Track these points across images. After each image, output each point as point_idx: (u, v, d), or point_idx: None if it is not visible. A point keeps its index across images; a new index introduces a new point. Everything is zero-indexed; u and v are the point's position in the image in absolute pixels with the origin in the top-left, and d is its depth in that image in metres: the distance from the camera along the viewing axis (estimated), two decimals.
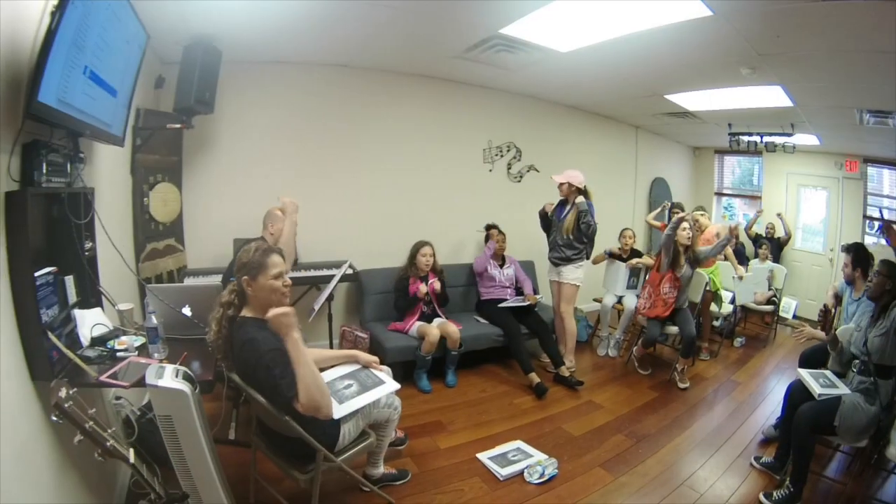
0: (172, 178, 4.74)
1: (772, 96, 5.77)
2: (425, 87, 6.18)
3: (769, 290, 7.71)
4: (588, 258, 5.64)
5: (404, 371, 4.95)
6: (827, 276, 9.13)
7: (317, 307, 4.28)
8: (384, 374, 3.15)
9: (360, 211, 5.92)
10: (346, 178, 5.82)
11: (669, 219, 6.39)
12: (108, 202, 3.33)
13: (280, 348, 2.42)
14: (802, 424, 3.44)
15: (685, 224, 5.47)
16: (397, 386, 3.05)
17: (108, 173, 3.46)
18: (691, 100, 6.59)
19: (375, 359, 3.22)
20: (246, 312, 2.57)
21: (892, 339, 3.31)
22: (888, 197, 9.17)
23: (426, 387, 4.99)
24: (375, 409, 2.96)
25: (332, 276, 4.63)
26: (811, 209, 10.07)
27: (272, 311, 2.45)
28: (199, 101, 4.33)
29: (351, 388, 2.93)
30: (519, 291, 6.00)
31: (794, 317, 8.89)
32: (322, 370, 2.82)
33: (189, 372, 2.28)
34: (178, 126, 4.41)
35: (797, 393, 3.79)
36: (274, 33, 4.43)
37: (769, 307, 7.67)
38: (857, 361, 3.60)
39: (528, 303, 5.68)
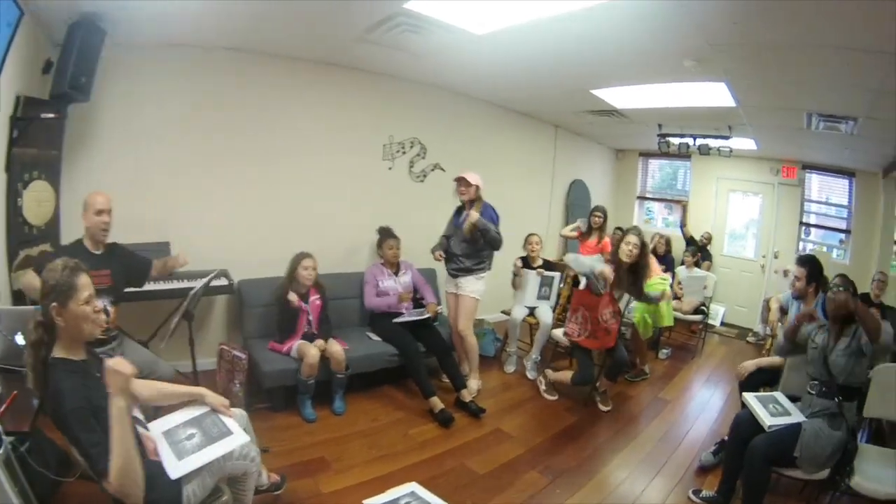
0: (49, 175, 4.25)
1: (713, 94, 5.65)
2: (323, 74, 5.82)
3: (701, 299, 7.70)
4: (490, 269, 5.33)
5: (286, 397, 4.62)
6: (758, 283, 9.29)
7: (172, 326, 3.77)
8: (233, 421, 2.69)
9: (249, 213, 5.51)
10: (235, 175, 5.40)
11: (590, 226, 6.23)
12: None
13: (89, 406, 2.07)
14: (757, 459, 3.29)
15: (631, 239, 4.87)
16: (245, 439, 2.60)
17: None
18: (621, 96, 6.42)
19: (224, 401, 2.77)
20: (57, 351, 2.20)
21: (857, 358, 3.28)
22: (817, 202, 9.48)
23: (310, 415, 4.52)
24: (228, 461, 2.52)
25: (212, 287, 4.36)
26: (740, 215, 10.28)
27: (110, 363, 2.13)
28: (74, 87, 3.94)
29: (193, 439, 2.50)
30: (418, 304, 5.65)
31: (722, 323, 9.01)
32: (163, 409, 2.60)
33: None
34: (51, 116, 4.01)
35: (745, 423, 3.58)
36: (161, 10, 4.04)
37: (697, 316, 7.65)
38: (815, 383, 3.49)
39: (427, 315, 5.33)
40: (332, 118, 5.94)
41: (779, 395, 3.76)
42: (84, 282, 2.21)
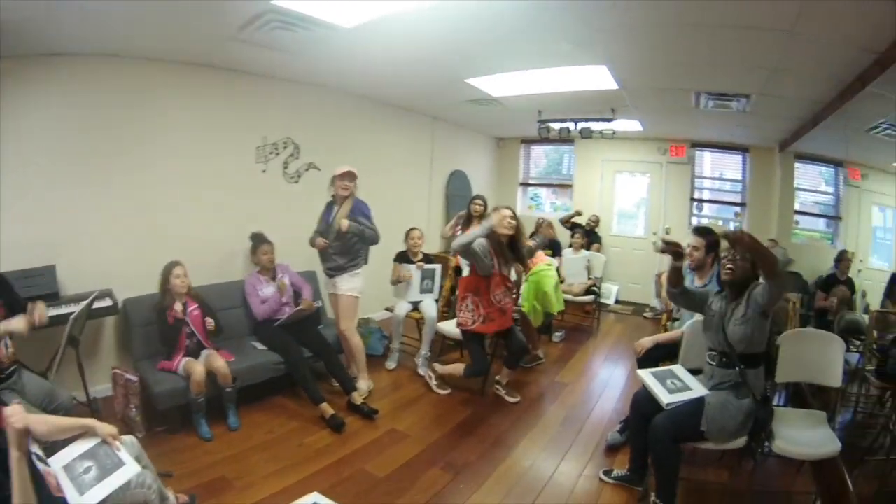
0: None
1: (594, 78, 5.70)
2: (199, 77, 5.67)
3: (588, 279, 7.90)
4: (366, 262, 5.36)
5: (182, 417, 4.49)
6: (651, 260, 9.61)
7: (59, 354, 3.76)
8: (124, 451, 2.69)
9: (130, 227, 5.30)
10: (116, 189, 5.19)
11: (470, 214, 6.24)
12: None
13: None
14: (661, 438, 3.27)
15: (505, 212, 4.96)
16: (137, 469, 2.64)
17: None
18: (498, 84, 6.45)
19: (113, 431, 2.73)
20: None
21: (755, 324, 3.24)
22: (710, 178, 9.93)
23: (206, 434, 4.42)
24: (126, 492, 2.56)
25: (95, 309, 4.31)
26: (629, 194, 10.63)
27: (6, 413, 2.24)
28: None
29: (90, 472, 2.53)
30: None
31: (617, 301, 9.37)
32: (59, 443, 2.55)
33: None
34: None
35: (644, 401, 3.60)
36: (34, 19, 3.91)
37: (589, 297, 7.81)
38: (714, 353, 3.46)
39: (304, 310, 5.29)
40: (207, 122, 5.81)
41: (677, 368, 3.71)
42: None
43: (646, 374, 3.66)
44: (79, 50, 4.74)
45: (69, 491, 2.37)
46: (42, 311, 3.35)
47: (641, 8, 3.77)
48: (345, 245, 5.09)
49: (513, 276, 5.34)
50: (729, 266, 3.38)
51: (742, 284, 3.36)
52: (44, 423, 2.57)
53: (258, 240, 5.51)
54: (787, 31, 3.84)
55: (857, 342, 5.30)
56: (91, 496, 2.39)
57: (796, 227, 8.54)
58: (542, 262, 6.24)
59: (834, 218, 8.30)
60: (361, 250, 5.24)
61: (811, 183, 8.77)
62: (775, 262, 3.16)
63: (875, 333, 4.93)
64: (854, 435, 4.52)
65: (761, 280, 3.29)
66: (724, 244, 3.68)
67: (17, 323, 3.25)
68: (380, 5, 3.96)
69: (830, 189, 8.50)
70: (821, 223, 8.81)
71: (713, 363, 3.45)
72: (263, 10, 4.04)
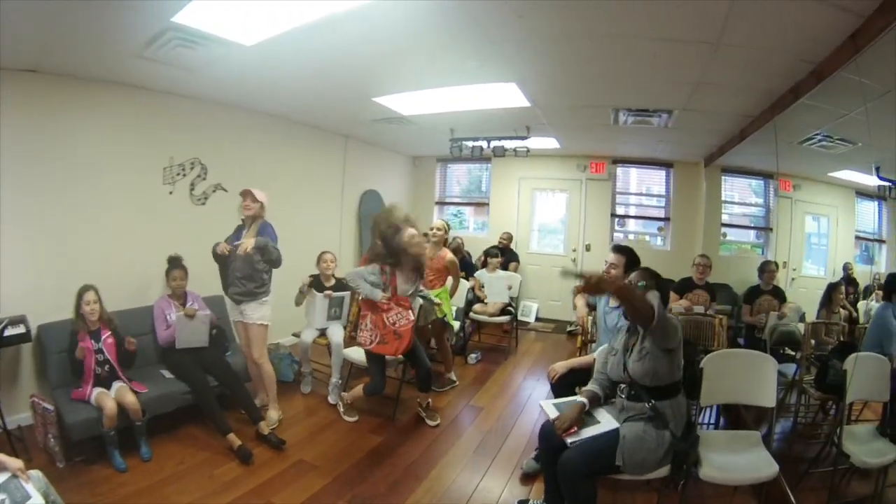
0: None
1: (506, 95, 5.78)
2: (108, 95, 5.66)
3: (507, 300, 7.93)
4: (270, 290, 5.37)
5: (99, 447, 4.50)
6: (570, 277, 9.67)
7: None
8: (31, 487, 2.84)
9: (41, 251, 5.29)
10: (28, 210, 5.18)
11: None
12: None
13: None
14: (572, 474, 3.19)
15: (411, 230, 5.12)
16: (42, 502, 2.80)
17: None
18: (406, 103, 6.55)
19: (19, 465, 2.88)
20: None
21: (656, 359, 3.23)
22: (635, 194, 10.22)
23: (120, 465, 4.45)
24: None
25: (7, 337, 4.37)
26: (547, 212, 10.90)
27: None
28: None
29: None
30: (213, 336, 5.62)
31: (537, 319, 9.52)
32: None
33: None
34: None
35: (552, 433, 3.47)
36: None
37: (505, 318, 7.87)
38: (624, 386, 3.45)
39: (187, 312, 5.23)
40: (113, 141, 5.79)
41: (582, 398, 3.59)
42: None
43: (549, 407, 3.67)
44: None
45: None
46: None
47: (548, 21, 3.84)
48: (251, 268, 5.11)
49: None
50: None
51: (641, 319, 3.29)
52: None
53: (173, 264, 5.53)
54: (712, 44, 3.94)
55: (793, 353, 5.39)
56: None
57: (724, 240, 8.82)
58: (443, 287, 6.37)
59: (764, 229, 8.56)
60: (267, 275, 5.26)
61: (741, 195, 9.05)
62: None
63: (812, 343, 5.05)
64: (796, 446, 4.66)
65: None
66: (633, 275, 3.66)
67: None
68: (279, 23, 4.07)
69: (760, 200, 8.76)
70: (751, 234, 9.11)
71: (622, 395, 3.45)
72: (165, 27, 4.12)
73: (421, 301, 5.68)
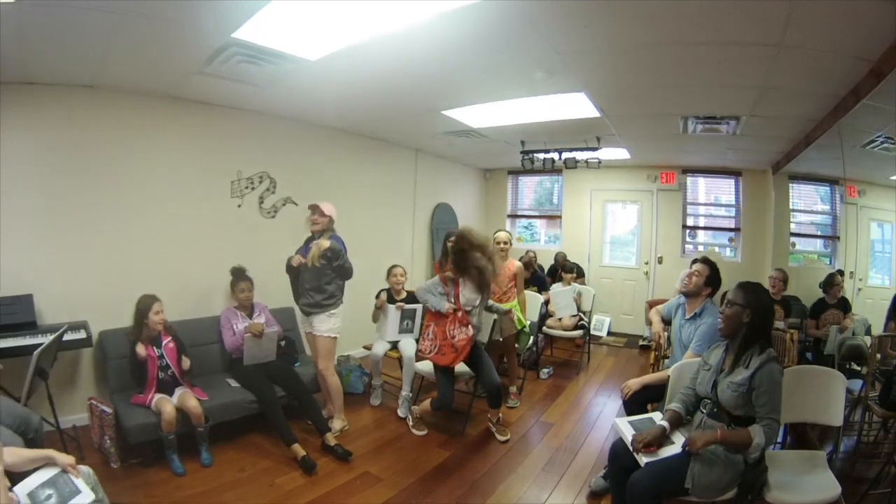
0: None
1: (575, 106, 5.68)
2: (171, 110, 5.76)
3: (575, 313, 7.78)
4: (342, 302, 5.32)
5: (157, 451, 4.56)
6: (642, 290, 9.57)
7: (26, 385, 3.84)
8: (81, 481, 2.85)
9: (105, 260, 5.39)
10: (91, 220, 5.29)
11: (446, 251, 6.16)
12: None
13: None
14: (640, 495, 3.09)
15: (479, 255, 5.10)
16: (91, 498, 2.80)
17: None
18: (476, 115, 6.49)
19: (71, 460, 2.90)
20: None
21: (746, 396, 3.06)
22: (704, 204, 9.87)
23: (178, 469, 4.46)
24: None
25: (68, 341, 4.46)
26: (619, 224, 10.70)
27: None
28: None
29: (51, 500, 2.72)
30: (284, 350, 5.67)
31: (609, 334, 9.16)
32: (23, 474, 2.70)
33: None
34: None
35: (623, 452, 3.41)
36: (19, 48, 4.04)
37: (577, 332, 7.72)
38: (707, 402, 3.32)
39: (252, 328, 5.23)
40: (180, 155, 5.89)
41: (657, 416, 3.57)
42: None
43: (624, 425, 3.52)
44: (53, 80, 4.86)
45: None
46: None
47: (613, 30, 3.75)
48: (320, 280, 5.08)
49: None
50: (721, 312, 3.31)
51: (740, 339, 3.21)
52: (12, 454, 2.72)
53: (238, 275, 5.57)
54: (774, 45, 3.80)
55: (860, 368, 5.26)
56: None
57: (793, 250, 8.56)
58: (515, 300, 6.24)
59: (831, 237, 8.35)
60: (338, 289, 5.22)
61: (807, 203, 8.82)
62: (744, 441, 3.00)
63: (878, 357, 4.87)
64: (857, 466, 4.43)
65: (768, 356, 3.09)
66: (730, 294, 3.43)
67: None
68: (344, 37, 4.03)
69: (827, 207, 8.55)
70: (818, 243, 8.85)
71: (704, 411, 3.34)
72: (226, 43, 4.13)
73: (496, 316, 5.64)
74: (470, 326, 5.15)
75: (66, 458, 2.87)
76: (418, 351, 5.47)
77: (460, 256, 5.12)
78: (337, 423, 5.32)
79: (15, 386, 4.03)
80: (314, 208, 5.12)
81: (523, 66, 4.59)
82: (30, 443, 3.58)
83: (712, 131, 6.34)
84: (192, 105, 5.85)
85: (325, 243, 4.88)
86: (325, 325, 5.15)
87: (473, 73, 4.88)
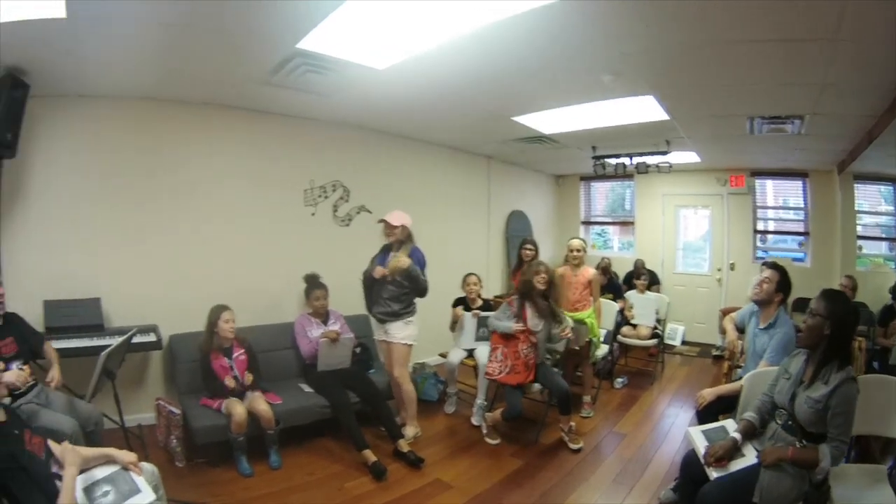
0: None
1: (644, 109, 5.60)
2: (238, 120, 5.88)
3: (653, 323, 7.64)
4: (416, 311, 5.30)
5: (223, 451, 4.58)
6: (715, 298, 9.34)
7: (92, 384, 3.85)
8: (141, 479, 2.87)
9: (171, 265, 5.51)
10: (155, 227, 5.42)
11: (521, 259, 6.32)
12: None
13: (16, 465, 2.31)
14: None
15: (540, 268, 5.25)
16: (152, 497, 2.81)
17: None
18: (545, 121, 6.41)
19: (133, 458, 2.93)
20: None
21: (821, 414, 2.90)
22: (773, 208, 9.59)
23: (246, 470, 4.49)
24: None
25: (137, 343, 4.57)
26: (692, 229, 10.45)
27: (59, 449, 2.59)
28: (1, 143, 4.14)
29: (108, 496, 2.72)
30: (358, 358, 5.67)
31: (683, 343, 8.97)
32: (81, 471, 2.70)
33: None
34: None
35: (695, 464, 3.32)
36: (80, 63, 4.21)
37: (652, 341, 7.59)
38: (783, 412, 3.16)
39: (329, 334, 5.24)
40: (249, 164, 5.98)
41: (730, 425, 3.47)
42: None
43: (697, 435, 3.44)
44: (111, 92, 4.99)
45: None
46: (16, 378, 3.51)
47: (673, 29, 3.66)
48: (398, 291, 5.08)
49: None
50: (804, 322, 3.15)
51: (820, 353, 3.04)
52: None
53: (312, 283, 5.58)
54: (830, 40, 3.64)
55: None
56: None
57: (860, 253, 8.34)
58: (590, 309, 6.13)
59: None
60: (413, 298, 5.21)
61: (871, 204, 8.60)
62: (813, 461, 2.88)
63: None
64: None
65: (847, 374, 2.92)
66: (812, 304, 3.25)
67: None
68: (410, 46, 4.01)
69: (891, 208, 8.40)
70: (883, 246, 8.62)
71: (779, 422, 3.18)
72: (291, 54, 4.15)
73: (572, 324, 5.55)
74: (537, 346, 5.21)
75: (128, 456, 2.89)
76: (487, 374, 5.37)
77: (526, 287, 5.24)
78: (410, 430, 5.27)
79: (80, 385, 4.08)
80: (383, 223, 5.09)
81: (590, 70, 4.49)
82: (89, 436, 3.70)
83: (778, 131, 6.18)
84: (261, 115, 5.94)
85: (405, 262, 4.90)
86: (401, 332, 5.13)
87: (541, 78, 4.80)
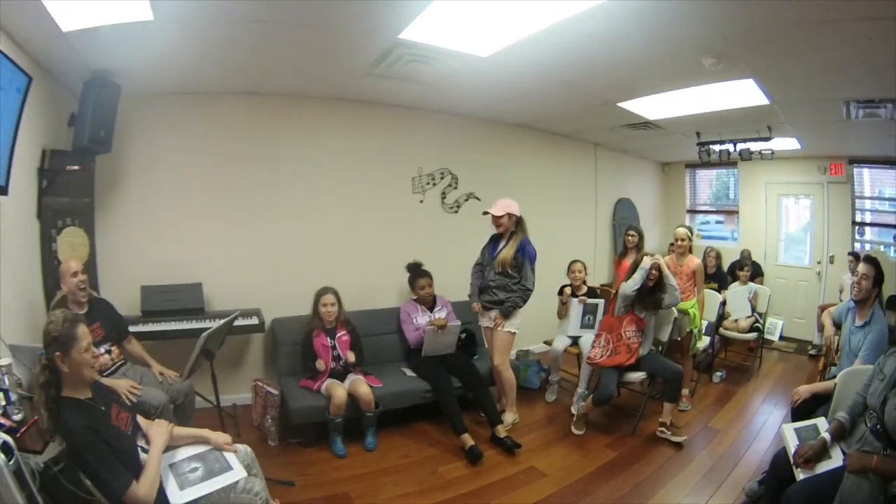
0: (83, 221, 4.61)
1: (744, 93, 5.45)
2: (342, 111, 5.98)
3: (751, 314, 7.43)
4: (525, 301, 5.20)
5: (318, 432, 4.73)
6: (815, 292, 9.09)
7: (190, 364, 3.93)
8: (234, 458, 2.94)
9: (274, 252, 5.70)
10: (258, 215, 5.62)
11: (625, 246, 6.27)
12: (16, 247, 3.64)
13: (100, 439, 2.35)
14: None
15: (646, 262, 5.08)
16: (243, 475, 2.85)
17: (12, 219, 3.59)
18: (650, 107, 6.28)
19: (227, 439, 3.03)
20: (65, 391, 2.44)
21: None
22: (870, 198, 9.09)
23: (340, 451, 4.63)
24: (233, 492, 2.78)
25: (239, 326, 4.72)
26: (793, 219, 10.08)
27: (147, 424, 2.76)
28: (94, 141, 4.30)
29: (196, 472, 2.80)
30: (464, 345, 5.67)
31: (781, 338, 8.62)
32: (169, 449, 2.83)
33: (10, 442, 2.22)
34: (75, 168, 4.34)
35: (785, 463, 3.26)
36: (172, 62, 4.35)
37: (752, 334, 7.38)
38: (874, 415, 3.04)
39: (436, 324, 5.29)
40: (353, 153, 6.07)
41: (822, 424, 3.41)
42: (83, 332, 2.43)
43: (789, 432, 3.42)
44: (207, 89, 5.18)
45: (171, 486, 2.62)
46: (126, 388, 3.57)
47: (766, 10, 3.49)
48: (506, 280, 5.05)
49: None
50: None
51: None
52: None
53: (416, 272, 5.62)
54: None
55: None
56: (189, 493, 2.62)
57: None
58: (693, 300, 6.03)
59: None
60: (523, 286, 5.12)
61: None
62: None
63: None
64: None
65: None
66: None
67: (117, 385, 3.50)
68: (512, 32, 3.96)
69: None
70: None
71: (868, 425, 3.08)
72: (393, 45, 4.16)
73: (676, 314, 5.53)
74: (643, 333, 5.12)
75: (221, 437, 2.99)
76: (588, 360, 5.36)
77: (652, 290, 5.12)
78: (509, 417, 5.27)
79: (176, 365, 4.19)
80: (494, 218, 5.05)
81: (691, 53, 4.37)
82: (179, 408, 3.91)
83: (872, 116, 5.85)
84: (366, 105, 6.02)
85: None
86: (506, 319, 5.09)
87: (644, 62, 4.66)
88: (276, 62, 4.57)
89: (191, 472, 2.76)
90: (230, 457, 2.91)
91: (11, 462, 2.17)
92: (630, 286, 5.04)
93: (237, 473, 2.83)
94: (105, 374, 3.68)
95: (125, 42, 3.70)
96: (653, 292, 5.10)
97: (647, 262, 5.04)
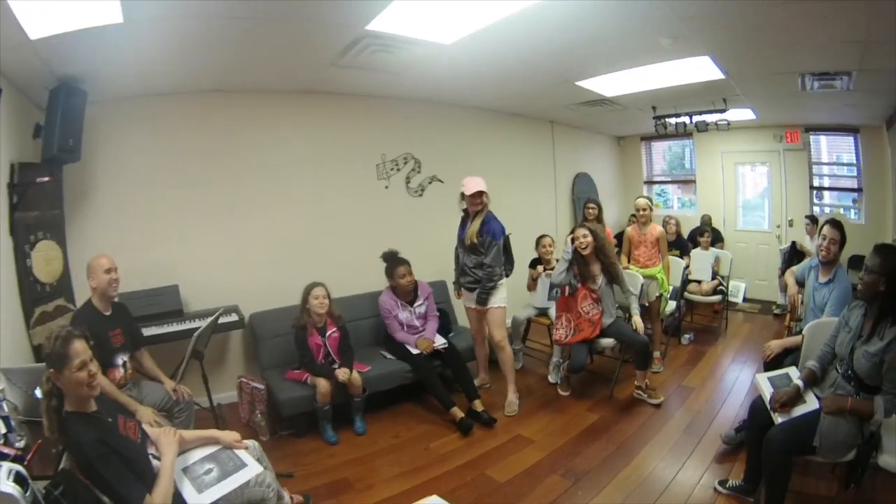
0: (54, 235, 4.48)
1: (700, 69, 5.55)
2: (306, 103, 5.94)
3: (713, 278, 7.64)
4: (506, 275, 5.28)
5: (308, 422, 4.75)
6: (775, 255, 9.17)
7: (182, 366, 3.99)
8: (246, 454, 2.95)
9: (248, 247, 5.64)
10: (230, 212, 5.54)
11: (585, 219, 6.42)
12: None
13: (110, 451, 2.31)
14: (775, 451, 3.14)
15: (582, 231, 5.19)
16: (259, 469, 2.86)
17: None
18: (607, 84, 6.34)
19: (236, 436, 3.01)
20: (69, 405, 2.37)
21: (878, 368, 2.96)
22: (828, 164, 9.29)
23: (331, 438, 4.65)
24: (246, 489, 2.76)
25: (221, 324, 4.67)
26: (750, 186, 10.24)
27: (155, 434, 2.68)
28: (63, 150, 4.12)
29: (211, 473, 2.76)
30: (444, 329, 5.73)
31: (745, 300, 8.83)
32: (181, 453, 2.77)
33: (23, 472, 2.14)
34: (46, 179, 4.15)
35: (763, 410, 3.46)
36: (139, 64, 4.27)
37: (716, 297, 7.57)
38: (844, 362, 3.23)
39: (421, 351, 5.25)
40: (319, 145, 6.05)
41: (793, 372, 3.58)
42: (76, 349, 2.31)
43: (764, 381, 3.59)
44: (175, 90, 5.11)
45: (188, 490, 2.61)
46: (150, 419, 3.47)
47: None
48: (479, 259, 5.06)
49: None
50: (860, 278, 3.16)
51: (877, 307, 3.07)
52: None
53: (393, 261, 5.50)
54: None
55: None
56: (208, 495, 2.61)
57: None
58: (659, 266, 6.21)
59: None
60: (499, 263, 5.14)
61: None
62: (868, 413, 3.00)
63: None
64: None
65: None
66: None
67: (140, 413, 3.44)
68: (475, 20, 3.97)
69: None
70: None
71: (839, 371, 3.28)
72: (360, 36, 4.15)
73: (642, 280, 5.71)
74: (599, 302, 5.22)
75: (231, 436, 2.97)
76: (555, 341, 5.48)
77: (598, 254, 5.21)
78: (512, 398, 5.25)
79: (165, 366, 4.18)
80: (477, 194, 4.96)
81: (649, 34, 4.44)
82: (177, 414, 3.88)
83: (828, 87, 6.06)
84: (330, 96, 6.00)
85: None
86: (494, 296, 5.11)
87: (602, 44, 4.73)
88: (246, 56, 4.51)
89: (206, 473, 2.75)
90: (242, 454, 2.91)
91: (28, 493, 2.12)
92: (556, 277, 5.23)
93: (252, 469, 2.83)
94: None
95: (92, 46, 3.63)
96: (591, 262, 5.22)
97: (568, 246, 5.19)
